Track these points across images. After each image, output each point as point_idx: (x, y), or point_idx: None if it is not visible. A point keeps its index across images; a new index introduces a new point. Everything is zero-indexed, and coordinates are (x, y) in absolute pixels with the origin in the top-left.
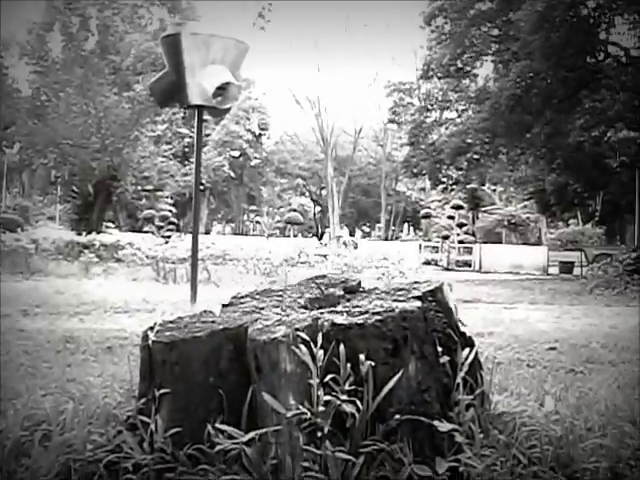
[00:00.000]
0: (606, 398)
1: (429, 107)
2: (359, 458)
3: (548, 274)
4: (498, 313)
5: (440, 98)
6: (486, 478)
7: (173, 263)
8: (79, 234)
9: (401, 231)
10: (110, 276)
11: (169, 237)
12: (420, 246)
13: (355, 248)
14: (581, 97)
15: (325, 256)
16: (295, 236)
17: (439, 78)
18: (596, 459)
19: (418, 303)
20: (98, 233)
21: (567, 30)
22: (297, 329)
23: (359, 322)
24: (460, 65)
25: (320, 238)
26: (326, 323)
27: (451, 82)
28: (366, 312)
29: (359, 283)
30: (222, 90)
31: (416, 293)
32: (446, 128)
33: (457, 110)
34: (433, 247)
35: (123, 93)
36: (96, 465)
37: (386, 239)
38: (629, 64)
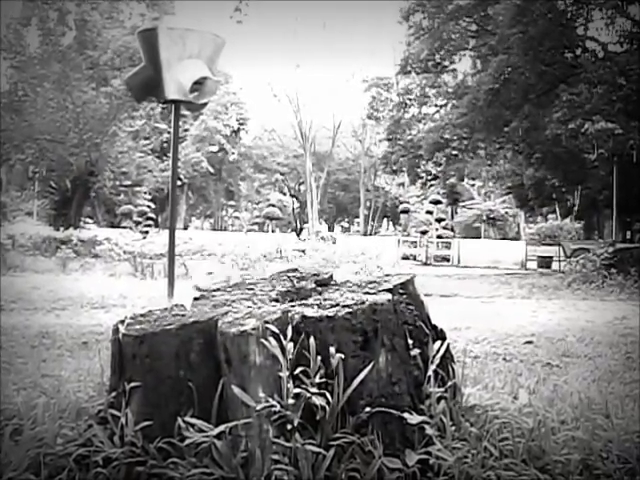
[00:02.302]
0: (580, 391)
1: (407, 103)
2: (329, 451)
3: (526, 269)
4: (476, 307)
5: (418, 93)
6: (457, 470)
7: (150, 258)
8: (57, 230)
9: (380, 226)
10: (87, 271)
11: (147, 233)
12: (399, 241)
13: (333, 243)
14: (559, 92)
15: (303, 251)
16: (273, 231)
17: (417, 73)
18: (568, 451)
19: (388, 296)
20: (76, 229)
21: (545, 24)
22: (267, 322)
23: (329, 315)
24: (438, 60)
25: (299, 233)
26: (296, 316)
27: (429, 77)
28: (337, 305)
29: (331, 276)
30: (199, 85)
31: (387, 286)
32: (424, 124)
33: (435, 105)
34: (412, 242)
35: (101, 88)
36: (66, 459)
37: (365, 234)
38: (607, 59)
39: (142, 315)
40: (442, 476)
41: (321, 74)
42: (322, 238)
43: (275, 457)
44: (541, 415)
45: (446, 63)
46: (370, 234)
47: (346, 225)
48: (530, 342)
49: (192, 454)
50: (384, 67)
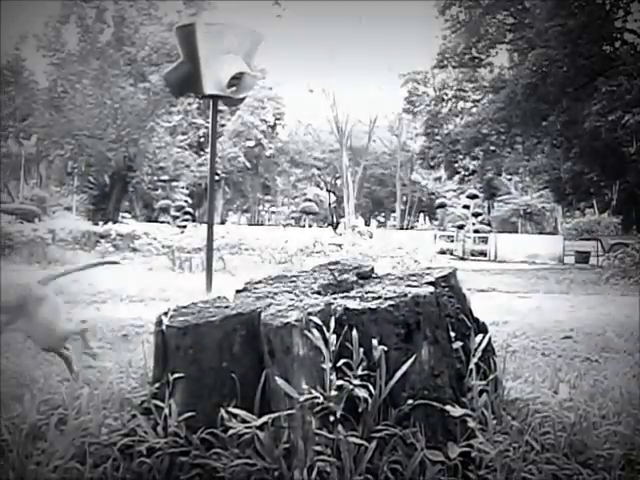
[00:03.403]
0: (621, 386)
1: (444, 97)
2: (371, 443)
3: (564, 264)
4: (513, 302)
5: (455, 88)
6: (499, 464)
7: (189, 252)
8: (95, 224)
9: (416, 221)
10: (126, 265)
11: (185, 227)
12: (435, 236)
13: (370, 237)
14: (598, 84)
15: (340, 245)
16: (310, 226)
17: (454, 67)
18: (610, 446)
19: (431, 288)
20: (114, 223)
21: (583, 17)
22: (310, 313)
23: (372, 307)
24: (475, 54)
25: (335, 228)
26: (339, 308)
27: (466, 72)
28: (379, 297)
29: (372, 269)
30: (237, 80)
31: (429, 279)
32: (461, 118)
33: (473, 101)
34: (448, 236)
35: (139, 84)
36: (111, 448)
37: (401, 229)
38: None
39: (185, 307)
40: (484, 469)
41: (357, 69)
42: (359, 232)
43: (317, 448)
44: (582, 410)
45: (483, 57)
46: (406, 229)
47: (382, 220)
48: (569, 337)
49: (235, 445)
50: (420, 60)
